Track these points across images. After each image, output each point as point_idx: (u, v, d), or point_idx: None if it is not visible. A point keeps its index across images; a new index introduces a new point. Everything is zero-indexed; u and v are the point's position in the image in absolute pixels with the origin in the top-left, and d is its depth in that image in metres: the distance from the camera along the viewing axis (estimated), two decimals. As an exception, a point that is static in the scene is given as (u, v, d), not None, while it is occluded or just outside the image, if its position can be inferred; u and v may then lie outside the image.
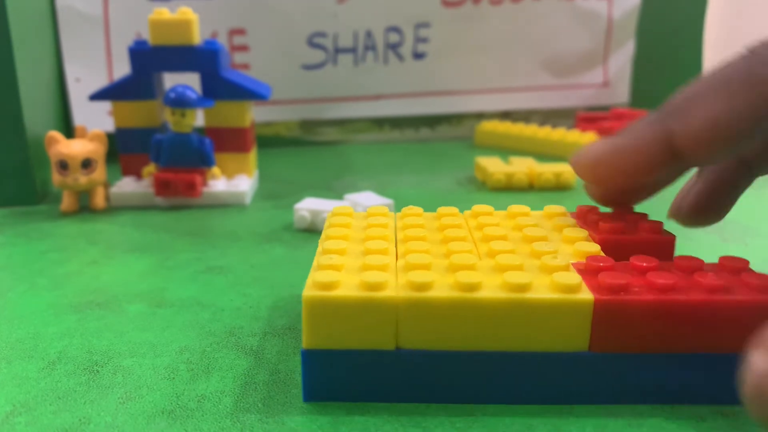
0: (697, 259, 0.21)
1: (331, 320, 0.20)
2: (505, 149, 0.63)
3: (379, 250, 0.23)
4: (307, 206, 0.39)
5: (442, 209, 0.27)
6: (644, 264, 0.21)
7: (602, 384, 0.20)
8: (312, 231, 0.39)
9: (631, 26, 0.69)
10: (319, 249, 0.23)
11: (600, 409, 0.20)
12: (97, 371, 0.23)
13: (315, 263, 0.22)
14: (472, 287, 0.19)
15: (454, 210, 0.27)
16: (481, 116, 0.70)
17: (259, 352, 0.24)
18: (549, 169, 0.48)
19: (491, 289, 0.20)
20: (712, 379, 0.20)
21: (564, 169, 0.48)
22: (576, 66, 0.70)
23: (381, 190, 0.47)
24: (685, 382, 0.20)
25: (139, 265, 0.34)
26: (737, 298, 0.19)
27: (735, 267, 0.21)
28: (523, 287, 0.19)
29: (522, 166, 0.49)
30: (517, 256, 0.22)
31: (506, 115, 0.70)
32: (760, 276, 0.20)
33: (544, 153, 0.60)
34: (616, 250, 0.24)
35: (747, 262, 0.21)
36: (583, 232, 0.24)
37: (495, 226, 0.25)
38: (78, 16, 0.57)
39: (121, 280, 0.32)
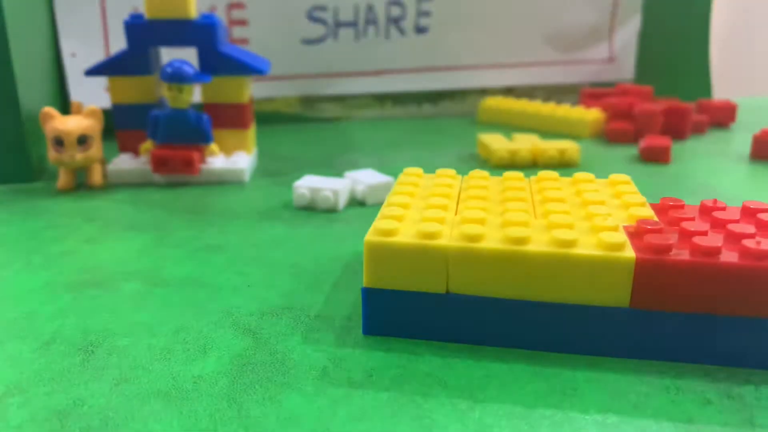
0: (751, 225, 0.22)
1: (388, 263, 0.22)
2: (509, 126, 0.62)
3: (439, 206, 0.25)
4: (307, 184, 0.39)
5: (507, 174, 0.29)
6: (692, 228, 0.22)
7: (640, 339, 0.21)
8: (311, 209, 0.38)
9: (637, 1, 0.68)
10: (385, 203, 0.26)
11: (603, 392, 0.20)
12: (92, 352, 0.23)
13: (379, 214, 0.24)
14: (521, 241, 0.21)
15: (519, 174, 0.29)
16: (484, 92, 0.69)
17: (256, 332, 0.24)
18: (553, 146, 0.48)
19: (539, 243, 0.21)
20: (750, 342, 0.21)
21: (568, 146, 0.47)
22: (581, 41, 0.69)
23: (382, 168, 0.47)
24: (722, 344, 0.21)
25: (136, 243, 0.33)
26: None
27: None
28: (569, 243, 0.21)
29: (526, 143, 0.48)
30: (568, 215, 0.23)
31: (509, 91, 0.69)
32: None
33: (547, 130, 0.59)
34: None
35: None
36: (642, 199, 0.25)
37: (555, 190, 0.26)
38: (73, -11, 0.56)
39: (118, 258, 0.31)
